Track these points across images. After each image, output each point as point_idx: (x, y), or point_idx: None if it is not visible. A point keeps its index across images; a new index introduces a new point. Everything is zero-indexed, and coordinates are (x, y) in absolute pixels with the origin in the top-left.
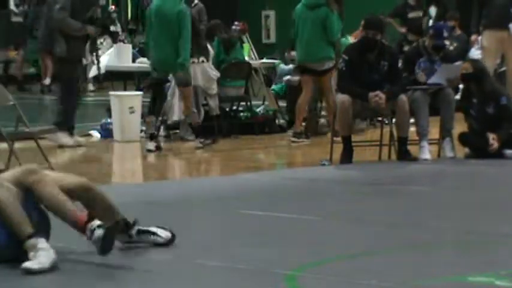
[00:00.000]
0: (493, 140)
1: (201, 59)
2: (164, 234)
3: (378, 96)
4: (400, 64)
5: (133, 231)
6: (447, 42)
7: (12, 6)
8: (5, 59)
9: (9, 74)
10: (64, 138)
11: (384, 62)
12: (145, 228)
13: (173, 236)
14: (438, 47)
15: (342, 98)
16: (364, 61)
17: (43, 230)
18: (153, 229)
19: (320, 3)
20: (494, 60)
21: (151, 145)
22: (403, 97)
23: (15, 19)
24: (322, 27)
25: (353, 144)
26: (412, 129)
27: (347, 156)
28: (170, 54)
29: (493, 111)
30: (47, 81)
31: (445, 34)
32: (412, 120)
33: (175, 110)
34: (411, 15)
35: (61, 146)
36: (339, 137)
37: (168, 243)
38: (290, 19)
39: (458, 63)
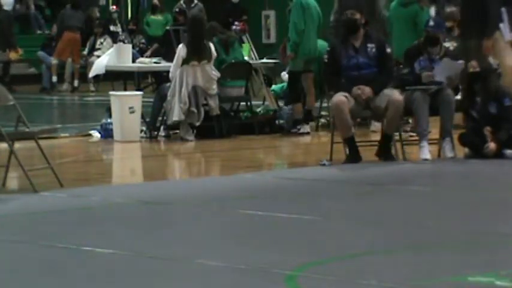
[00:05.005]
0: (490, 142)
1: (203, 62)
2: None
3: (361, 90)
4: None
5: None
6: (440, 33)
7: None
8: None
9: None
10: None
11: (371, 44)
12: None
13: None
14: (430, 36)
15: (334, 99)
16: (348, 45)
17: None
18: None
19: (412, 0)
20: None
21: (307, 127)
22: (397, 94)
23: None
24: (413, 24)
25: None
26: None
27: (354, 157)
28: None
29: (495, 111)
30: None
31: (432, 23)
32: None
33: (175, 110)
34: None
35: None
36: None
37: None
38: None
39: (459, 61)
